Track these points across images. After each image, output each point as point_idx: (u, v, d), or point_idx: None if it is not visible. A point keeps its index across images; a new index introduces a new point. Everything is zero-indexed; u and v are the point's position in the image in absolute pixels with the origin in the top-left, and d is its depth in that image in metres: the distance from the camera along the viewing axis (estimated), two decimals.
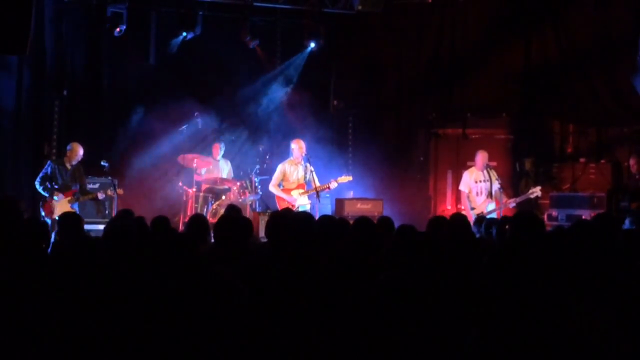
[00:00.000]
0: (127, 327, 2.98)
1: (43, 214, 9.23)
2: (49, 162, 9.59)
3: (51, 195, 9.23)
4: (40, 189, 9.32)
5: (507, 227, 5.60)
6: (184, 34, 11.38)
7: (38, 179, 9.37)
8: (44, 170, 9.42)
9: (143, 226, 5.29)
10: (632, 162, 10.18)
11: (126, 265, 3.77)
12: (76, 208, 9.25)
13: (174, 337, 2.74)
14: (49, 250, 4.83)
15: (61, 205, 9.20)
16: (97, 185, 10.07)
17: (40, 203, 9.35)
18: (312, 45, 12.14)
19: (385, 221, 5.98)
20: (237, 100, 11.95)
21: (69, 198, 9.34)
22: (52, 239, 6.28)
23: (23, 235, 4.65)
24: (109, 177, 9.75)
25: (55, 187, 9.30)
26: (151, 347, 2.85)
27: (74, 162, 9.50)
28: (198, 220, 5.43)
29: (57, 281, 3.49)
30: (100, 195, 9.56)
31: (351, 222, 5.38)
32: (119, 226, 4.54)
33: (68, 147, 9.62)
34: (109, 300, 3.22)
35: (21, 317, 3.13)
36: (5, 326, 3.08)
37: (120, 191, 9.55)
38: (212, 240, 5.08)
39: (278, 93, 12.34)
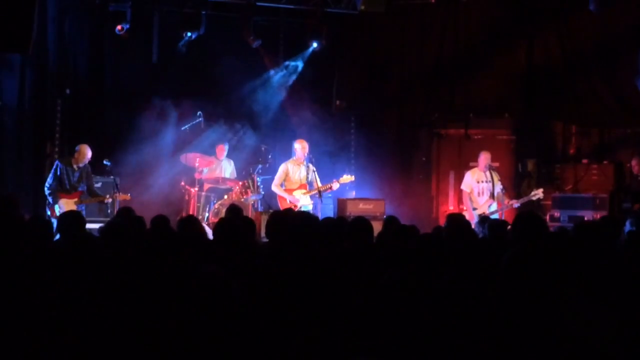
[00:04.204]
0: (124, 325, 2.98)
1: (49, 213, 9.19)
2: (57, 162, 9.43)
3: (54, 203, 9.11)
4: (47, 193, 9.18)
5: (509, 227, 5.59)
6: (188, 34, 11.37)
7: (47, 182, 9.21)
8: (52, 172, 9.26)
9: (142, 225, 5.28)
10: (634, 163, 10.18)
11: (123, 264, 3.77)
12: (82, 209, 9.13)
13: (170, 336, 2.73)
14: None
15: (67, 206, 9.06)
16: (99, 184, 10.00)
17: (47, 203, 9.28)
18: (315, 45, 12.12)
19: (390, 220, 5.99)
20: (239, 100, 11.94)
21: (75, 199, 9.24)
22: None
23: (24, 233, 4.65)
24: (112, 176, 9.72)
25: (61, 190, 9.17)
26: (148, 345, 2.85)
27: (81, 164, 9.35)
28: (190, 221, 5.39)
29: (57, 279, 3.49)
30: (108, 200, 9.48)
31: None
32: (114, 225, 4.53)
33: (76, 149, 9.45)
34: (107, 298, 3.22)
35: (20, 315, 3.13)
36: (5, 324, 3.08)
37: (127, 197, 9.34)
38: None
39: (279, 94, 12.35)
